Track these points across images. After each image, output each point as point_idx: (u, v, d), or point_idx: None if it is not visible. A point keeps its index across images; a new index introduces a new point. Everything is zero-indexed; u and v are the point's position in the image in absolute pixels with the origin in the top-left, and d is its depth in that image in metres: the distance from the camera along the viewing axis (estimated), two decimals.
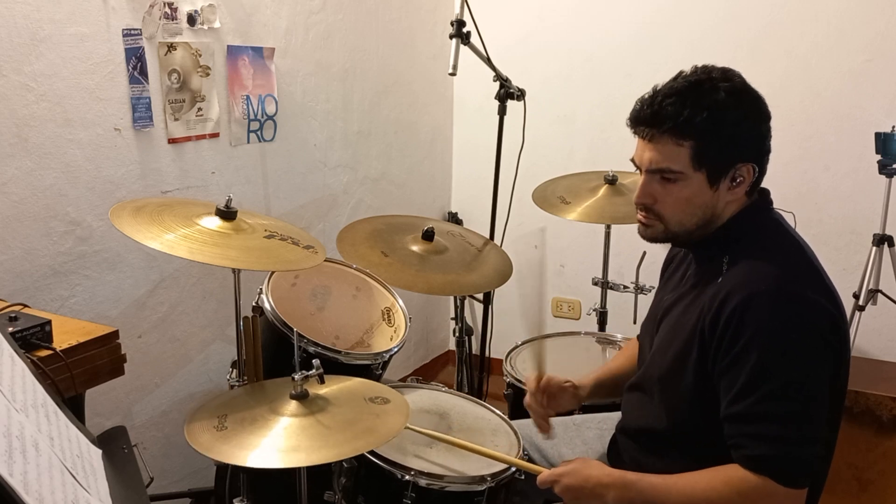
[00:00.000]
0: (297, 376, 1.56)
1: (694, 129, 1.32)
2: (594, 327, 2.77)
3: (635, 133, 1.40)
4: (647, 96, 1.38)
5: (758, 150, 1.38)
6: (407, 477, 1.61)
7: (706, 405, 1.36)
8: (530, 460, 1.76)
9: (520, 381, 2.16)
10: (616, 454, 1.64)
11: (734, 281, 1.34)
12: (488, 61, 2.33)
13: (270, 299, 1.94)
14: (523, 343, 2.42)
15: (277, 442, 1.45)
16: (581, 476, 1.43)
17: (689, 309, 1.42)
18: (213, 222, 1.72)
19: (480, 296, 2.70)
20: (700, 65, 1.39)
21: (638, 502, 1.38)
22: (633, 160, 1.43)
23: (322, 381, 1.59)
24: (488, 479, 1.64)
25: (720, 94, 1.33)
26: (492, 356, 2.75)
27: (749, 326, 1.28)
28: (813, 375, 1.28)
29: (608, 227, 2.70)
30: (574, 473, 1.44)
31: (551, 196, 2.58)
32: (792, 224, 1.46)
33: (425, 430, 1.72)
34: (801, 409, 1.27)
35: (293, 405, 1.54)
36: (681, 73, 1.39)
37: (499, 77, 2.43)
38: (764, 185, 1.44)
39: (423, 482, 1.61)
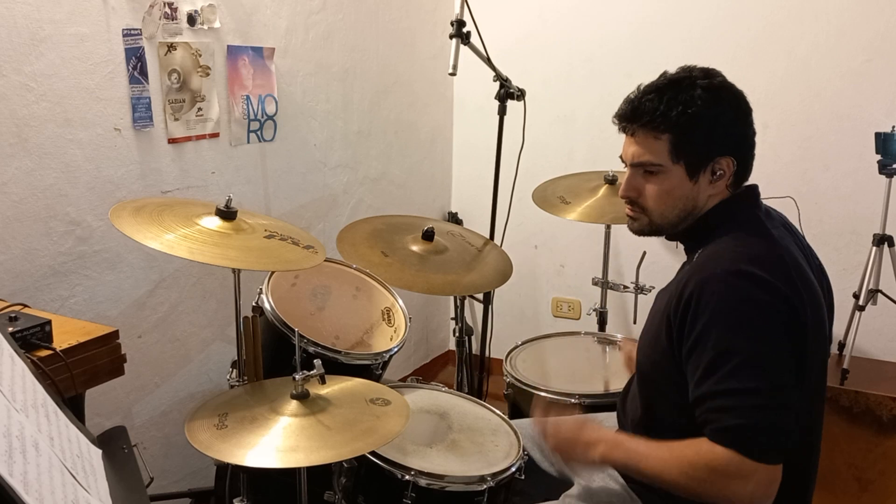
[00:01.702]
0: (298, 376, 1.56)
1: (669, 123, 1.38)
2: (594, 327, 2.77)
3: (620, 130, 1.47)
4: (631, 95, 1.45)
5: (737, 145, 1.41)
6: (407, 477, 1.61)
7: (680, 392, 1.36)
8: (530, 460, 1.77)
9: (520, 381, 2.16)
10: None
11: (696, 267, 1.38)
12: (488, 61, 2.33)
13: (270, 299, 1.94)
14: (523, 343, 2.42)
15: (277, 441, 1.46)
16: (576, 427, 1.45)
17: (663, 298, 1.46)
18: (213, 222, 1.72)
19: (480, 296, 2.70)
20: (685, 65, 1.44)
21: (621, 463, 1.40)
22: (621, 157, 1.50)
23: (323, 382, 1.59)
24: (488, 479, 1.64)
25: (697, 90, 1.38)
26: (492, 356, 2.75)
27: (705, 309, 1.30)
28: (771, 352, 1.28)
29: (608, 227, 2.71)
30: (569, 425, 1.46)
31: (551, 196, 2.59)
32: (795, 212, 1.46)
33: None
34: (763, 385, 1.26)
35: (294, 405, 1.54)
36: (665, 72, 1.45)
37: (499, 77, 2.42)
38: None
39: (423, 482, 1.61)
